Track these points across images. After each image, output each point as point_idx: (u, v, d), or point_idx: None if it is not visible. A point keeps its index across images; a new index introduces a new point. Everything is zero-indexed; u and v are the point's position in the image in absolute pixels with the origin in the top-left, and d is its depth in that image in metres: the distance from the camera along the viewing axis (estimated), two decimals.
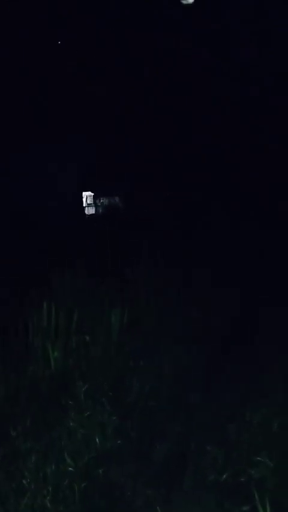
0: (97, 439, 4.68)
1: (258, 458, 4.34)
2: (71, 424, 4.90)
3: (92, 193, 18.39)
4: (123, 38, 15.52)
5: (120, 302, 6.87)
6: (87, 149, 16.00)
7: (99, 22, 15.62)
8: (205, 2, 15.48)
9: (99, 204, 18.38)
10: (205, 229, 12.26)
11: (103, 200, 18.29)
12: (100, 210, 18.15)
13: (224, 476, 4.25)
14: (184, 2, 14.54)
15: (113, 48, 15.57)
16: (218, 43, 15.24)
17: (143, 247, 10.46)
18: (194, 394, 5.61)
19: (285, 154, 14.18)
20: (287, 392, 5.32)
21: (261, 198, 13.92)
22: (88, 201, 18.37)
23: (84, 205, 18.24)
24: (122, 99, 15.85)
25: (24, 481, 4.17)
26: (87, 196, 18.30)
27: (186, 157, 15.53)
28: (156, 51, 15.50)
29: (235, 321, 7.52)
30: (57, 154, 15.29)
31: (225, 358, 6.36)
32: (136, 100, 15.93)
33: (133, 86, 15.79)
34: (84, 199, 18.23)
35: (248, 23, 14.84)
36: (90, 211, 18.34)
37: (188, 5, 14.23)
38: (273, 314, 7.52)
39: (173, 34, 15.44)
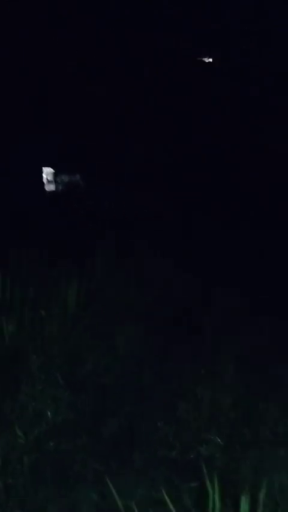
0: (49, 413, 4.68)
1: (208, 435, 4.41)
2: (23, 397, 4.88)
3: (53, 170, 18.17)
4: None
5: (78, 279, 6.84)
6: (50, 124, 15.81)
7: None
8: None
9: (59, 181, 18.16)
10: (164, 210, 12.30)
11: (64, 177, 18.08)
12: (60, 188, 17.94)
13: (174, 453, 4.30)
14: None
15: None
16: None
17: (103, 225, 10.45)
18: (147, 372, 5.65)
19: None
20: (237, 372, 5.40)
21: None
22: (49, 178, 18.15)
23: (44, 181, 18.02)
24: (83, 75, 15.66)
25: None
26: (47, 172, 18.08)
27: (147, 138, 15.48)
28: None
29: (188, 302, 7.60)
30: (17, 127, 15.07)
31: (178, 338, 6.41)
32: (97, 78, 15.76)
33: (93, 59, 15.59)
34: (44, 176, 18.01)
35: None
36: (50, 188, 18.12)
37: None
38: (225, 296, 7.65)
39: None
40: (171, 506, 3.10)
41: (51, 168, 18.14)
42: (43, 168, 17.87)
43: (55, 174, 18.20)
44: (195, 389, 5.13)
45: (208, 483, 3.17)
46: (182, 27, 15.43)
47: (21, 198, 13.71)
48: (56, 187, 18.05)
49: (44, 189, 17.84)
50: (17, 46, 14.70)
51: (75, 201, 14.68)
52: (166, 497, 3.15)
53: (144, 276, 8.21)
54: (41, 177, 17.91)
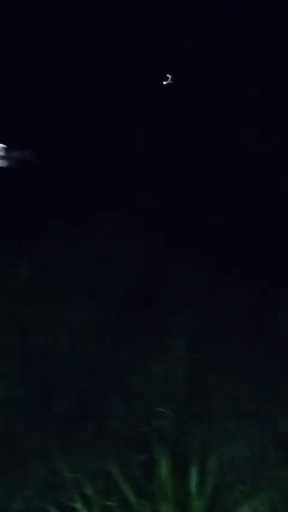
0: None
1: (160, 409, 4.40)
2: None
3: (4, 146, 17.83)
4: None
5: (29, 255, 6.73)
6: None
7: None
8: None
9: (10, 157, 17.84)
10: (115, 185, 12.22)
11: (15, 153, 17.77)
12: (11, 164, 17.63)
13: (125, 426, 4.28)
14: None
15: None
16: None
17: (53, 202, 10.32)
18: (99, 346, 5.61)
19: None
20: (189, 346, 5.41)
21: None
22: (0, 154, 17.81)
23: None
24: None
25: None
26: None
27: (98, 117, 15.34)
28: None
29: (141, 276, 7.59)
30: None
31: (130, 312, 6.39)
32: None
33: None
34: None
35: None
36: (0, 164, 17.79)
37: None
38: (177, 268, 7.66)
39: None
40: (119, 479, 3.08)
41: (2, 143, 17.83)
42: None
43: (6, 150, 17.90)
44: (147, 363, 5.11)
45: (158, 455, 3.16)
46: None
47: None
48: (8, 163, 17.76)
49: None
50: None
51: (26, 177, 14.44)
52: (114, 470, 3.12)
53: (96, 252, 8.14)
54: None
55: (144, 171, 13.63)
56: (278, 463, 3.71)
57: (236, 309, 6.60)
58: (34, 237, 8.19)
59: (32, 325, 5.79)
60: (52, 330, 5.72)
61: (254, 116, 14.65)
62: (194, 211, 10.92)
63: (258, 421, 4.34)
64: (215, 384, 4.86)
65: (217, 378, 4.93)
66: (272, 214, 11.01)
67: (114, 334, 5.87)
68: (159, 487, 3.03)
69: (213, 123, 15.03)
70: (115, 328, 6.00)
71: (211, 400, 4.65)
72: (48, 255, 7.48)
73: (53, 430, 4.25)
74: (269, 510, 3.16)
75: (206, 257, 8.45)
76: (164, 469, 3.05)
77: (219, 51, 15.21)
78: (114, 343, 5.66)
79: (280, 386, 4.88)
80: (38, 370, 5.02)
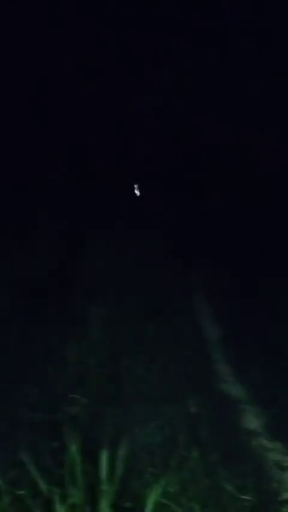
0: None
1: (73, 395, 4.41)
2: None
3: None
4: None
5: None
6: None
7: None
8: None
9: None
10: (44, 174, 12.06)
11: None
12: None
13: (38, 414, 4.26)
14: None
15: None
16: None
17: None
18: (12, 336, 5.54)
19: None
20: (103, 332, 5.43)
21: None
22: None
23: None
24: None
25: None
26: None
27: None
28: None
29: (57, 265, 7.55)
30: None
31: (46, 300, 6.35)
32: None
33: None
34: None
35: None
36: None
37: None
38: (92, 257, 7.66)
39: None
40: (30, 468, 3.06)
41: None
42: None
43: None
44: (62, 350, 5.09)
45: (69, 442, 3.16)
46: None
47: None
48: None
49: None
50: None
51: None
52: (26, 459, 3.10)
53: (10, 239, 8.00)
54: None
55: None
56: (187, 445, 3.78)
57: (149, 293, 6.66)
58: None
59: None
60: None
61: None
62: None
63: (169, 405, 4.41)
64: (129, 369, 4.89)
65: (132, 363, 4.96)
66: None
67: (30, 322, 5.81)
68: (69, 472, 3.04)
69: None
70: (31, 317, 5.94)
71: (125, 384, 4.69)
72: None
73: None
74: (179, 490, 3.24)
75: (119, 242, 8.48)
76: (74, 454, 3.06)
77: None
78: (29, 332, 5.60)
79: (192, 370, 4.98)
80: None
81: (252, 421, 4.57)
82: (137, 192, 13.33)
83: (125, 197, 11.17)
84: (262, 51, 14.70)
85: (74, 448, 3.13)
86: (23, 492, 3.08)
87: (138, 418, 4.19)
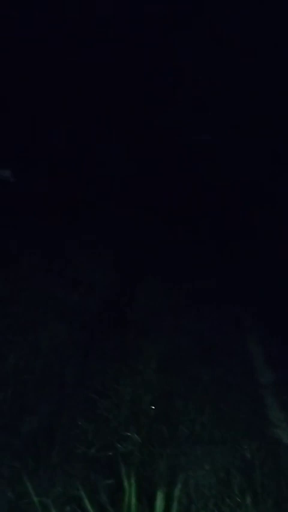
0: None
1: (127, 433, 4.46)
2: None
3: None
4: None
5: (2, 274, 6.76)
6: None
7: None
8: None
9: None
10: (97, 212, 12.30)
11: None
12: None
13: (92, 450, 4.32)
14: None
15: None
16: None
17: (28, 222, 10.36)
18: (69, 369, 5.65)
19: None
20: (158, 371, 5.47)
21: None
22: None
23: None
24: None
25: None
26: None
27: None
28: None
29: (113, 299, 7.67)
30: None
31: (101, 335, 6.45)
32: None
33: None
34: None
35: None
36: None
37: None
38: (149, 294, 7.76)
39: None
40: (87, 504, 3.12)
41: None
42: None
43: None
44: (116, 386, 5.16)
45: (125, 480, 3.21)
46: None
47: None
48: None
49: None
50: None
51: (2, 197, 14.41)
52: (83, 494, 3.17)
53: (69, 273, 8.19)
54: None
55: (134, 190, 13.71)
56: (241, 489, 3.78)
57: (205, 335, 6.69)
58: (7, 257, 8.22)
59: (4, 345, 5.81)
60: (23, 351, 5.74)
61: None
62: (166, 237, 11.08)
63: (223, 448, 4.42)
64: (183, 409, 4.91)
65: (185, 404, 4.99)
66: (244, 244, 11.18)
67: (85, 357, 5.92)
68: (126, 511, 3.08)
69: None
70: (86, 352, 6.05)
71: (178, 425, 4.71)
72: (21, 276, 7.51)
73: (20, 452, 4.27)
74: None
75: (177, 283, 8.56)
76: (130, 494, 3.11)
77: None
78: (84, 366, 5.70)
79: (245, 413, 4.97)
80: (7, 391, 5.02)
81: None
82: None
83: (180, 237, 11.26)
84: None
85: (129, 487, 3.18)
86: None
87: (191, 460, 4.20)
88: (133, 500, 3.11)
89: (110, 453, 4.28)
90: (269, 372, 6.09)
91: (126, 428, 4.54)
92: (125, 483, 3.19)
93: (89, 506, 3.12)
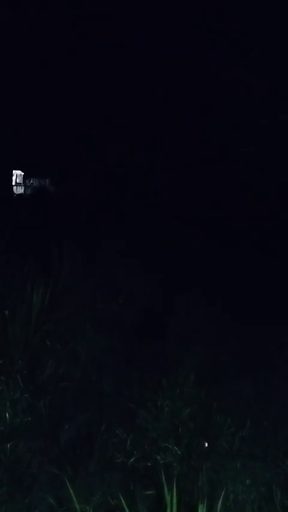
0: (7, 414, 4.63)
1: (166, 444, 4.43)
2: None
3: (22, 173, 18.07)
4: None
5: (44, 282, 6.79)
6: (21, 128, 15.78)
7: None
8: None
9: (28, 184, 18.06)
10: (137, 221, 12.35)
11: (33, 181, 18.00)
12: (29, 191, 17.84)
13: (132, 459, 4.30)
14: None
15: None
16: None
17: (69, 230, 10.44)
18: (108, 378, 5.65)
19: None
20: (197, 384, 5.43)
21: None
22: (17, 180, 18.01)
23: (13, 183, 17.89)
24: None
25: None
26: (17, 175, 17.95)
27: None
28: None
29: (152, 310, 7.67)
30: None
31: (140, 346, 6.44)
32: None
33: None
34: (14, 178, 17.88)
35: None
36: (18, 190, 17.99)
37: None
38: (189, 305, 7.74)
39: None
40: None
41: (21, 170, 18.05)
42: (13, 170, 17.77)
43: (24, 177, 18.11)
44: (156, 398, 5.14)
45: (166, 491, 3.18)
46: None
47: None
48: (25, 190, 17.97)
49: (12, 191, 17.74)
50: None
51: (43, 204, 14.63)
52: (123, 503, 3.15)
53: (109, 282, 8.22)
54: (11, 179, 17.80)
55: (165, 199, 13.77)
56: (283, 506, 3.71)
57: (246, 349, 6.63)
58: (48, 264, 8.28)
59: (43, 353, 5.84)
60: (62, 359, 5.77)
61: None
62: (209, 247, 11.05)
63: (263, 463, 4.35)
64: (222, 423, 4.86)
65: (224, 418, 4.93)
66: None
67: (124, 367, 5.91)
68: None
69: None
70: (125, 362, 6.05)
71: (217, 438, 4.66)
72: (62, 284, 7.55)
73: (60, 459, 4.28)
74: None
75: (218, 295, 8.51)
76: (172, 505, 3.08)
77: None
78: (123, 377, 5.70)
79: (287, 429, 4.89)
80: (47, 398, 5.05)
81: None
82: None
83: (223, 249, 11.22)
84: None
85: (171, 499, 3.15)
86: None
87: (231, 474, 4.15)
88: None
89: (149, 464, 4.25)
90: None
91: (166, 440, 4.51)
92: (166, 495, 3.16)
93: None
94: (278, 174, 14.49)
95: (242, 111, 15.29)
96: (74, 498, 3.22)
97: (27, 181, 17.90)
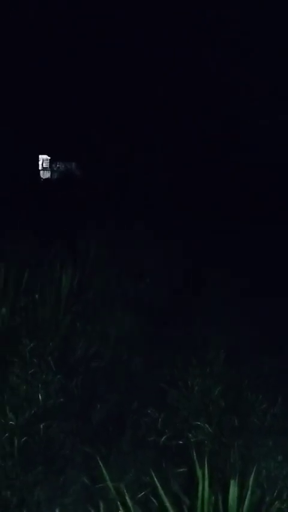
0: (40, 396, 4.69)
1: (197, 422, 4.44)
2: (15, 380, 4.89)
3: (49, 157, 18.10)
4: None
5: (71, 265, 6.84)
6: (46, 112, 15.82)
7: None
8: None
9: (55, 168, 18.10)
10: (156, 201, 12.33)
11: (59, 165, 18.03)
12: (55, 175, 17.89)
13: (163, 438, 4.33)
14: None
15: None
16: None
17: (96, 213, 10.47)
18: (137, 358, 5.69)
19: None
20: (227, 363, 5.43)
21: None
22: (44, 165, 18.07)
23: (40, 168, 17.95)
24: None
25: None
26: (43, 159, 18.00)
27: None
28: None
29: (181, 291, 7.67)
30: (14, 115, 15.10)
31: (169, 326, 6.46)
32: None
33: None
34: (40, 163, 17.93)
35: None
36: (45, 175, 18.06)
37: None
38: (217, 285, 7.72)
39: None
40: (161, 490, 3.13)
41: (47, 155, 18.09)
42: (39, 155, 17.81)
43: (51, 161, 18.16)
44: (186, 377, 5.15)
45: (198, 469, 3.20)
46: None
47: (17, 184, 13.68)
48: (51, 175, 18.02)
49: (39, 175, 17.80)
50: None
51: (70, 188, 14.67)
52: (156, 481, 3.18)
53: (136, 264, 8.24)
54: (37, 163, 17.86)
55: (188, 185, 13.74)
56: None
57: (274, 325, 6.61)
58: (76, 248, 8.32)
59: (73, 335, 5.90)
60: (92, 341, 5.81)
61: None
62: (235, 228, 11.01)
63: None
64: (253, 401, 4.87)
65: (255, 395, 4.93)
66: None
67: (153, 347, 5.94)
68: (200, 500, 3.06)
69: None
70: (155, 342, 6.07)
71: (249, 416, 4.66)
72: (90, 267, 7.60)
73: (91, 439, 4.33)
74: None
75: (247, 274, 8.49)
76: (203, 482, 3.09)
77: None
78: (153, 356, 5.72)
79: None
80: (78, 379, 5.10)
81: None
82: None
83: (249, 230, 11.17)
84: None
85: (203, 476, 3.16)
86: None
87: (263, 451, 4.16)
88: (206, 489, 3.09)
89: (181, 442, 4.28)
90: None
91: (197, 418, 4.52)
92: (198, 472, 3.18)
93: (163, 494, 3.12)
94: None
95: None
96: (107, 476, 3.25)
97: (53, 165, 17.97)
